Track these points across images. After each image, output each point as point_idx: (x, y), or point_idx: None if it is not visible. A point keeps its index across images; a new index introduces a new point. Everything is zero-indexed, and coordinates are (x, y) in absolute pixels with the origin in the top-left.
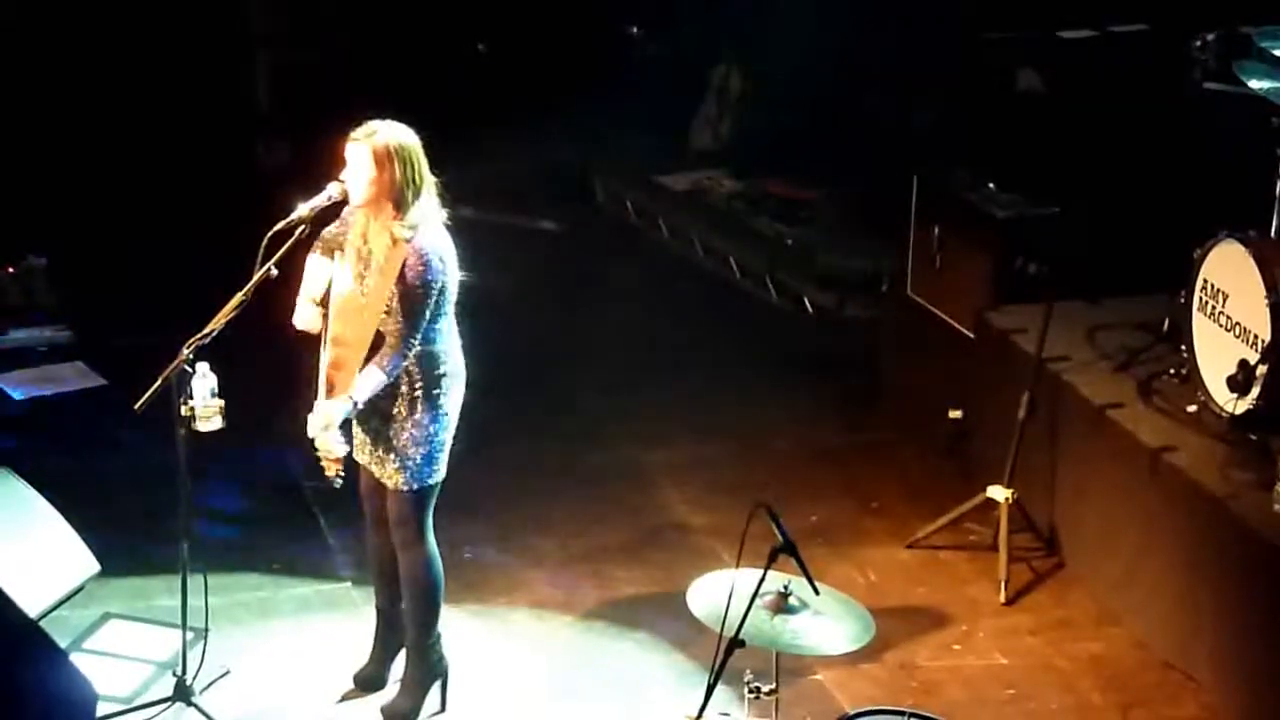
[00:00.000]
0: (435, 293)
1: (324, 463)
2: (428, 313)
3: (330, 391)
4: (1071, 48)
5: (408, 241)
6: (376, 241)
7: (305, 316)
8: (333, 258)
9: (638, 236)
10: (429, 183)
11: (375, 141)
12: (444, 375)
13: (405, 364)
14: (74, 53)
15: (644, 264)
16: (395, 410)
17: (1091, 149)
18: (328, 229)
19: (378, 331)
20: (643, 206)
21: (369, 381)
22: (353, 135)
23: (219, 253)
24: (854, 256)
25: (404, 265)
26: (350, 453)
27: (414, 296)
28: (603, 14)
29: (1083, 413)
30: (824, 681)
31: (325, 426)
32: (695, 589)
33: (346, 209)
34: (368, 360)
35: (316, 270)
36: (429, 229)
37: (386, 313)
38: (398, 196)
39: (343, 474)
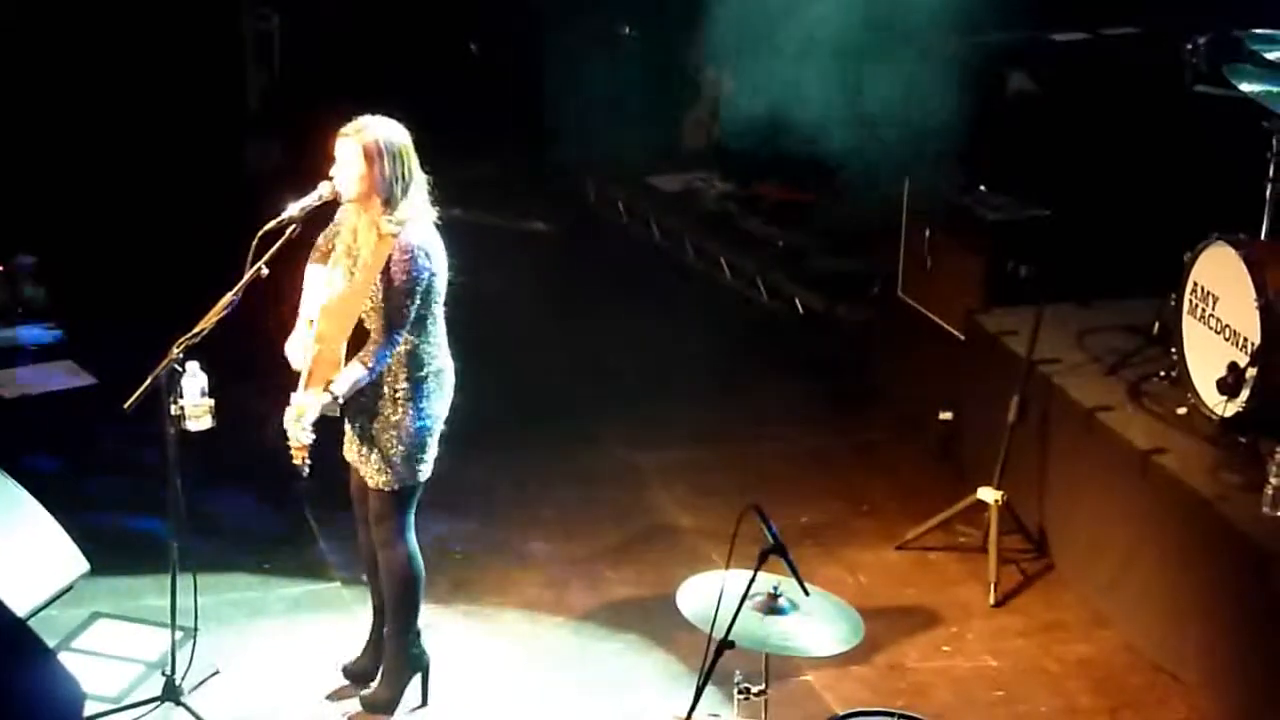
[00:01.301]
0: (420, 290)
1: (292, 450)
2: (412, 309)
3: (308, 383)
4: (1063, 50)
5: (394, 236)
6: (365, 237)
7: (298, 349)
8: (328, 264)
9: (629, 237)
10: (419, 179)
11: (365, 137)
12: (429, 375)
13: (389, 360)
14: (64, 54)
15: (635, 265)
16: (381, 409)
17: (1082, 152)
18: (321, 236)
19: (361, 326)
20: (634, 207)
21: (351, 376)
22: (342, 130)
23: (209, 252)
24: (845, 258)
25: (389, 260)
26: (315, 443)
27: (399, 292)
28: (595, 15)
29: (1073, 415)
30: (813, 683)
31: (299, 418)
32: (685, 590)
33: (339, 211)
34: (350, 355)
35: (316, 281)
36: (417, 225)
37: (371, 308)
38: (387, 192)
39: (309, 462)
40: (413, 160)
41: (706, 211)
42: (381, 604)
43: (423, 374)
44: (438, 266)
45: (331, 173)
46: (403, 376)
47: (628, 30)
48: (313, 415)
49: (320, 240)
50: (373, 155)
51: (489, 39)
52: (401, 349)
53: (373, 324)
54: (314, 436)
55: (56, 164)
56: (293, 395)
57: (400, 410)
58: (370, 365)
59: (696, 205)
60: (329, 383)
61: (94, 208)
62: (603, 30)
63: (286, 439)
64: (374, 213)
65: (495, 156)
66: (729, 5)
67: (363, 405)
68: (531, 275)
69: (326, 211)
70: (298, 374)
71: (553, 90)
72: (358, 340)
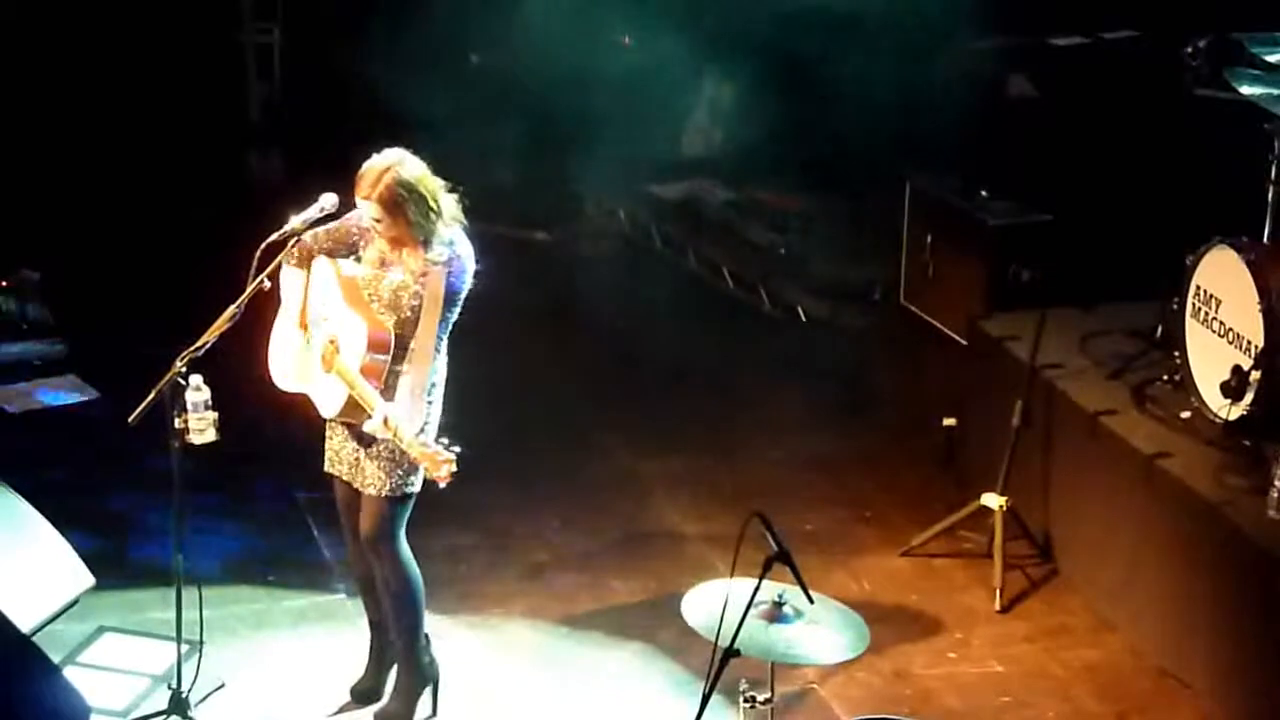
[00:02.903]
0: (462, 298)
1: (441, 463)
2: (454, 315)
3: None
4: (1063, 54)
5: (440, 264)
6: (411, 265)
7: (281, 352)
8: (307, 268)
9: (631, 246)
10: (442, 194)
11: (379, 195)
12: (433, 385)
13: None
14: (68, 67)
15: (637, 273)
16: None
17: (1084, 156)
18: (310, 236)
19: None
20: (636, 216)
21: (421, 403)
22: (358, 191)
23: (212, 265)
24: (847, 265)
25: (447, 279)
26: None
27: (449, 308)
28: (594, 23)
29: (1076, 419)
30: (819, 690)
31: (413, 421)
32: (690, 598)
33: (351, 215)
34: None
35: (293, 283)
36: (459, 239)
37: (410, 317)
38: (423, 233)
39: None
40: (432, 183)
41: (708, 219)
42: (378, 618)
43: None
44: (472, 277)
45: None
46: None
47: (627, 39)
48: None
49: (309, 241)
50: (393, 208)
51: (489, 48)
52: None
53: (416, 331)
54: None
55: (60, 179)
56: (383, 408)
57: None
58: (428, 376)
59: (698, 213)
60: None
61: (97, 222)
62: (601, 39)
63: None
64: (417, 249)
65: (496, 165)
66: (726, 11)
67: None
68: (533, 285)
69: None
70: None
71: (553, 99)
72: None
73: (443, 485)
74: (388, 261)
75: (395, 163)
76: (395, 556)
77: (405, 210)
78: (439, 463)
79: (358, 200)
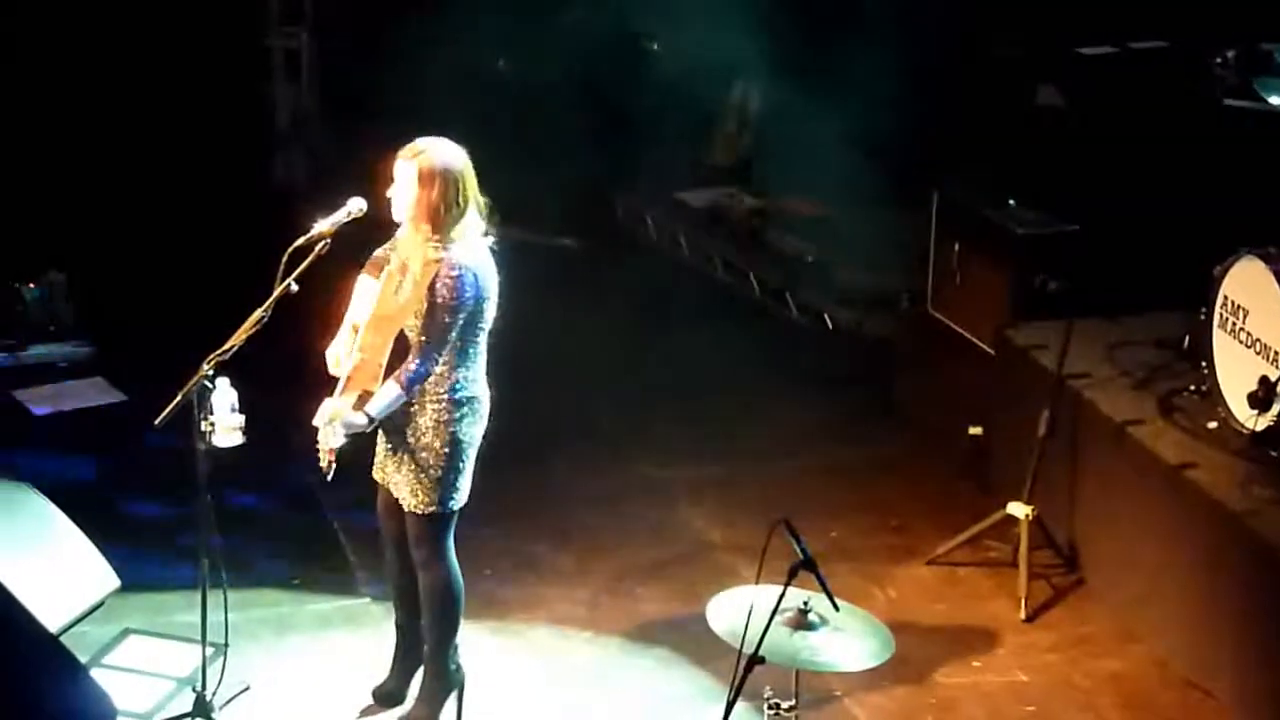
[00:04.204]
0: (465, 311)
1: (320, 453)
2: (454, 329)
3: (345, 389)
4: (1092, 64)
5: (439, 262)
6: (416, 255)
7: (338, 353)
8: (379, 276)
9: (658, 253)
10: (474, 203)
11: (421, 161)
12: (467, 402)
13: (425, 379)
14: (93, 70)
15: (664, 281)
16: (414, 432)
17: (1112, 165)
18: (379, 249)
19: (405, 343)
20: (663, 223)
21: (385, 398)
22: (400, 153)
23: (239, 268)
24: (874, 273)
25: (435, 278)
26: (348, 454)
27: (442, 309)
28: (622, 30)
29: (1103, 429)
30: (844, 698)
31: (330, 420)
32: (715, 606)
33: (400, 228)
34: (389, 370)
35: (364, 291)
36: (467, 247)
37: (415, 325)
38: (433, 216)
39: (335, 465)
40: (469, 185)
41: (735, 226)
42: (405, 622)
43: (457, 399)
44: (486, 292)
45: (389, 193)
46: (438, 401)
47: (655, 46)
48: (346, 424)
49: (379, 252)
50: (426, 180)
51: (517, 53)
52: (441, 371)
53: (414, 341)
54: (344, 441)
55: (87, 181)
56: (328, 399)
57: (433, 434)
58: (405, 385)
59: (725, 220)
60: (363, 398)
61: (124, 225)
62: (628, 45)
63: (317, 440)
64: (425, 234)
65: (523, 171)
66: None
67: (396, 426)
68: (560, 291)
69: (358, 227)
70: (330, 380)
71: (581, 104)
72: (399, 354)
73: (323, 469)
74: (406, 267)
75: (446, 148)
76: (438, 568)
77: (432, 186)
78: (323, 454)
79: (397, 164)
